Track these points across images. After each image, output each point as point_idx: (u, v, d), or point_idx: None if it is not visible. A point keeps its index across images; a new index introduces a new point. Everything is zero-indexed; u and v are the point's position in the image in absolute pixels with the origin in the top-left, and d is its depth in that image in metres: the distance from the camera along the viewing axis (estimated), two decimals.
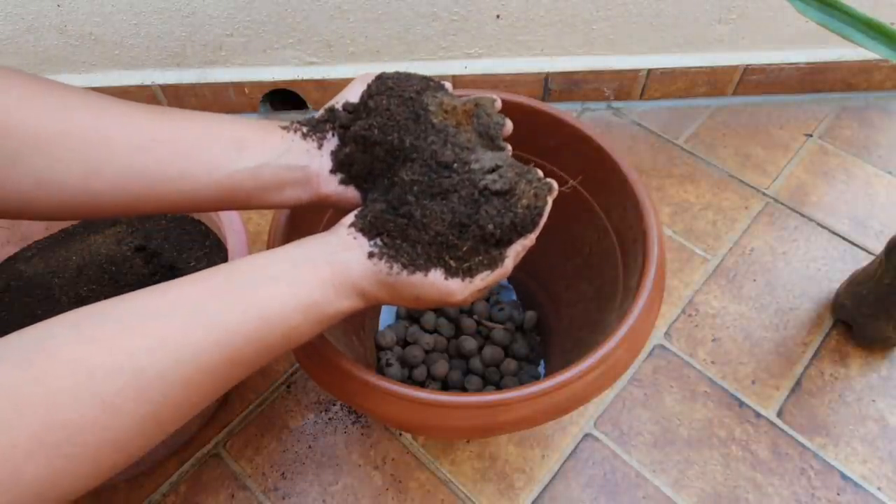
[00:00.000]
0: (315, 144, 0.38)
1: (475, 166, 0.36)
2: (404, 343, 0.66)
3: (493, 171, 0.36)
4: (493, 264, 0.36)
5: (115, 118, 0.34)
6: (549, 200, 0.38)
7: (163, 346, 0.28)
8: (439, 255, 0.35)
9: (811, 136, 0.89)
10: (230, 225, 0.57)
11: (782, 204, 0.81)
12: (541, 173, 0.38)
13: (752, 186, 0.83)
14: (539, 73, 0.87)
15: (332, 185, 0.38)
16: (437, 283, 0.35)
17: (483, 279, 0.36)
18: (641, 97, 0.92)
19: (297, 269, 0.33)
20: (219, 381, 0.30)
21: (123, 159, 0.33)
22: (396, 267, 0.34)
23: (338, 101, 0.40)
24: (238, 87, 0.86)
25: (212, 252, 0.66)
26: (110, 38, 0.79)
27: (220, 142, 0.35)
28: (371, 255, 0.34)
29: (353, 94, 0.40)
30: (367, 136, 0.37)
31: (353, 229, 0.36)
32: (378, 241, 0.35)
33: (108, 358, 0.26)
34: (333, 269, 0.34)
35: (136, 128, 0.34)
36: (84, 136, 0.32)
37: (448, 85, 0.41)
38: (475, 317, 0.67)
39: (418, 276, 0.35)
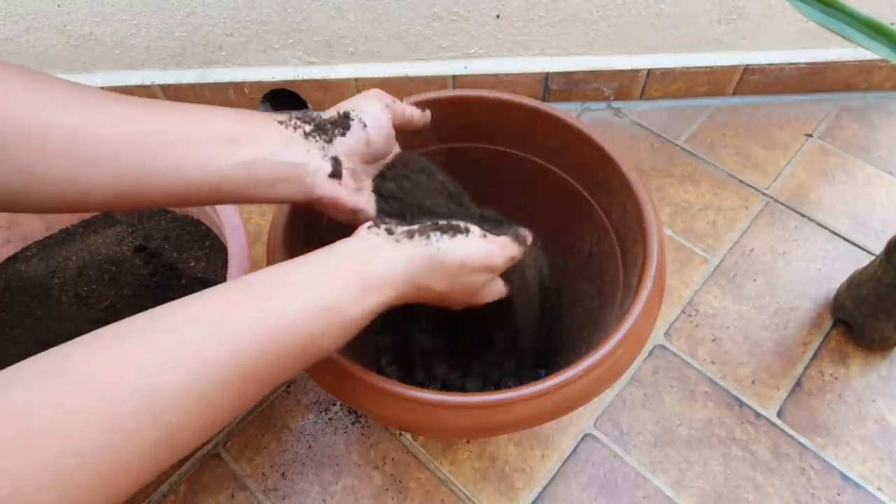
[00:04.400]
0: (317, 146, 0.38)
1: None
2: (404, 343, 0.66)
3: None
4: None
5: (104, 112, 0.33)
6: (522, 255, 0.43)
7: (175, 364, 0.27)
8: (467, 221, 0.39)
9: (811, 136, 0.89)
10: (230, 225, 0.57)
11: (782, 204, 0.81)
12: (518, 252, 0.42)
13: (752, 186, 0.83)
14: (539, 73, 0.87)
15: (326, 188, 0.38)
16: (478, 243, 0.37)
17: (504, 245, 0.40)
18: (641, 97, 0.92)
19: (316, 271, 0.33)
20: (235, 400, 0.29)
21: (113, 154, 0.32)
22: (435, 235, 0.35)
23: (352, 111, 0.40)
24: (238, 87, 0.86)
25: (212, 252, 0.66)
26: (110, 38, 0.79)
27: (212, 136, 0.35)
28: (401, 240, 0.35)
29: (369, 111, 0.40)
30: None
31: (374, 230, 0.36)
32: (405, 229, 0.36)
33: (120, 377, 0.25)
34: (358, 264, 0.33)
35: (126, 122, 0.33)
36: (72, 131, 0.31)
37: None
38: None
39: (460, 239, 0.35)
